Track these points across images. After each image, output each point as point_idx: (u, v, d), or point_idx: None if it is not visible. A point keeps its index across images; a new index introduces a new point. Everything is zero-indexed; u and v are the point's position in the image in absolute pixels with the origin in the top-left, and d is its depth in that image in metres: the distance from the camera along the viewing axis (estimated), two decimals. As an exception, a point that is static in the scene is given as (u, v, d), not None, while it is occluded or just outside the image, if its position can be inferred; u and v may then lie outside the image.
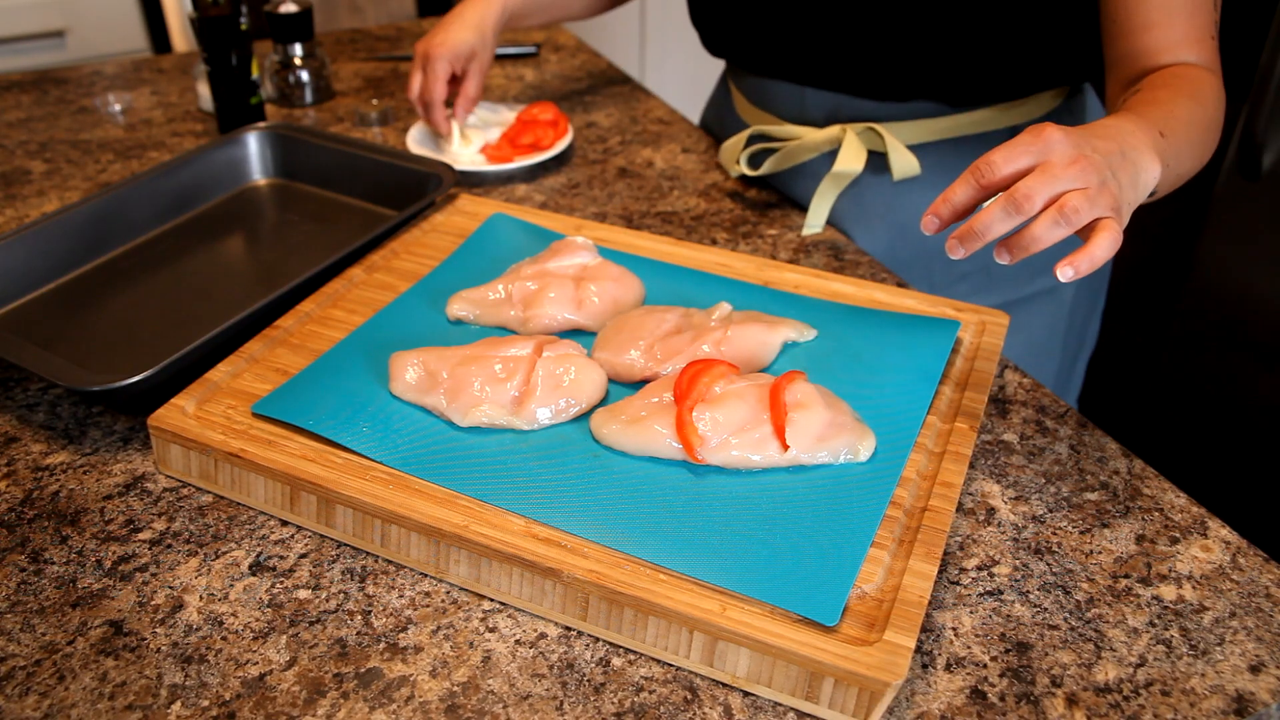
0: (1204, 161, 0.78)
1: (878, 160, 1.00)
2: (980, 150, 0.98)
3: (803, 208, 1.06)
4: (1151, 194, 0.71)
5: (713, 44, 1.09)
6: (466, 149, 1.12)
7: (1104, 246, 0.61)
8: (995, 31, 0.90)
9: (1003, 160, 0.64)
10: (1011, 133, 0.98)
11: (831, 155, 1.02)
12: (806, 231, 1.01)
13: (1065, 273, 0.61)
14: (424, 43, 1.09)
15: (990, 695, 0.58)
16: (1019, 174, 0.63)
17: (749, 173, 1.06)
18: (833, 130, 0.99)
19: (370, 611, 0.63)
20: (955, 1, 0.89)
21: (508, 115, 1.22)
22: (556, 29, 1.60)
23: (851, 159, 0.96)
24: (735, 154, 1.07)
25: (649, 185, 1.12)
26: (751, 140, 1.07)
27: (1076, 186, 0.62)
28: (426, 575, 0.65)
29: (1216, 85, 0.80)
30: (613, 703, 0.58)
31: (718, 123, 1.21)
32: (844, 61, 0.96)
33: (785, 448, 0.67)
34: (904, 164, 0.96)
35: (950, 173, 0.99)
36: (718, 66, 1.32)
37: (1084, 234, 0.63)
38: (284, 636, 0.61)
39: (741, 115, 1.12)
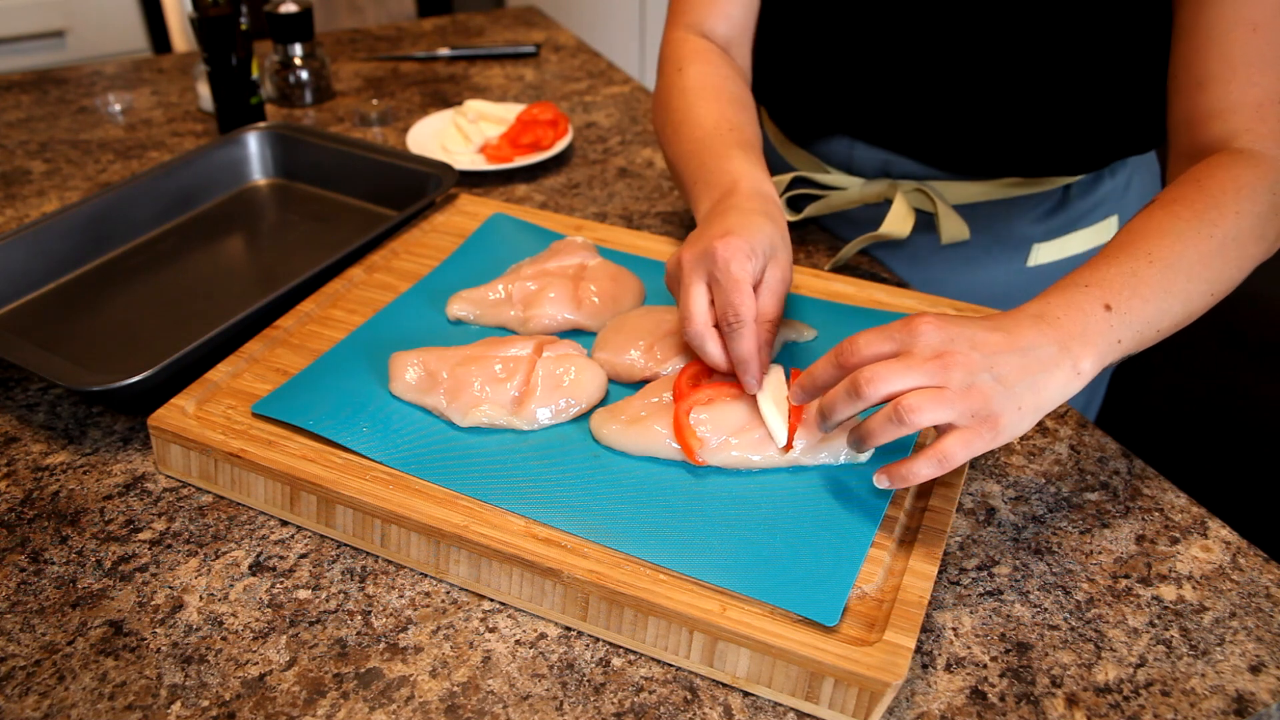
0: (1230, 278, 0.67)
1: (924, 218, 0.94)
2: (1029, 208, 0.93)
3: (829, 232, 1.03)
4: (1132, 355, 0.65)
5: (764, 100, 0.99)
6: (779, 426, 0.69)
7: (928, 463, 0.58)
8: (1061, 107, 0.83)
9: (864, 344, 0.60)
10: (1063, 190, 0.92)
11: (875, 205, 0.95)
12: (830, 267, 0.95)
13: (881, 481, 0.60)
14: (693, 251, 0.70)
15: (990, 695, 0.58)
16: (878, 359, 0.60)
17: (790, 217, 0.96)
18: (881, 186, 0.92)
19: (370, 611, 0.63)
20: (1020, 77, 0.82)
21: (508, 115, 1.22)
22: (556, 29, 1.60)
23: (899, 223, 0.88)
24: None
25: (649, 185, 1.12)
26: (794, 183, 0.98)
27: (928, 384, 0.58)
28: (426, 575, 0.65)
29: (1259, 176, 0.67)
30: (613, 703, 0.58)
31: None
32: (904, 128, 0.89)
33: (790, 447, 0.67)
34: (954, 229, 0.90)
35: (996, 233, 0.94)
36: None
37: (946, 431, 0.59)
38: (284, 636, 0.61)
39: (782, 153, 1.02)
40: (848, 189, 0.94)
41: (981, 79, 0.84)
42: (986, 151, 0.88)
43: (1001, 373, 0.58)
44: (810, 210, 0.96)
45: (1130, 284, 0.63)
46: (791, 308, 0.83)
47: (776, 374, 0.69)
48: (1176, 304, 0.64)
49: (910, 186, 0.91)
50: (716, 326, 0.69)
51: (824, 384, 0.63)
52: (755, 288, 0.69)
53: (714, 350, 0.69)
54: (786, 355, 0.78)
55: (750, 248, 0.68)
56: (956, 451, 0.57)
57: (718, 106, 0.84)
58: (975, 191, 0.91)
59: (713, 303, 0.69)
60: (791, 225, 1.00)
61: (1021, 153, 0.87)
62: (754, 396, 0.69)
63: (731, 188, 0.75)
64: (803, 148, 0.99)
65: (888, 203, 0.93)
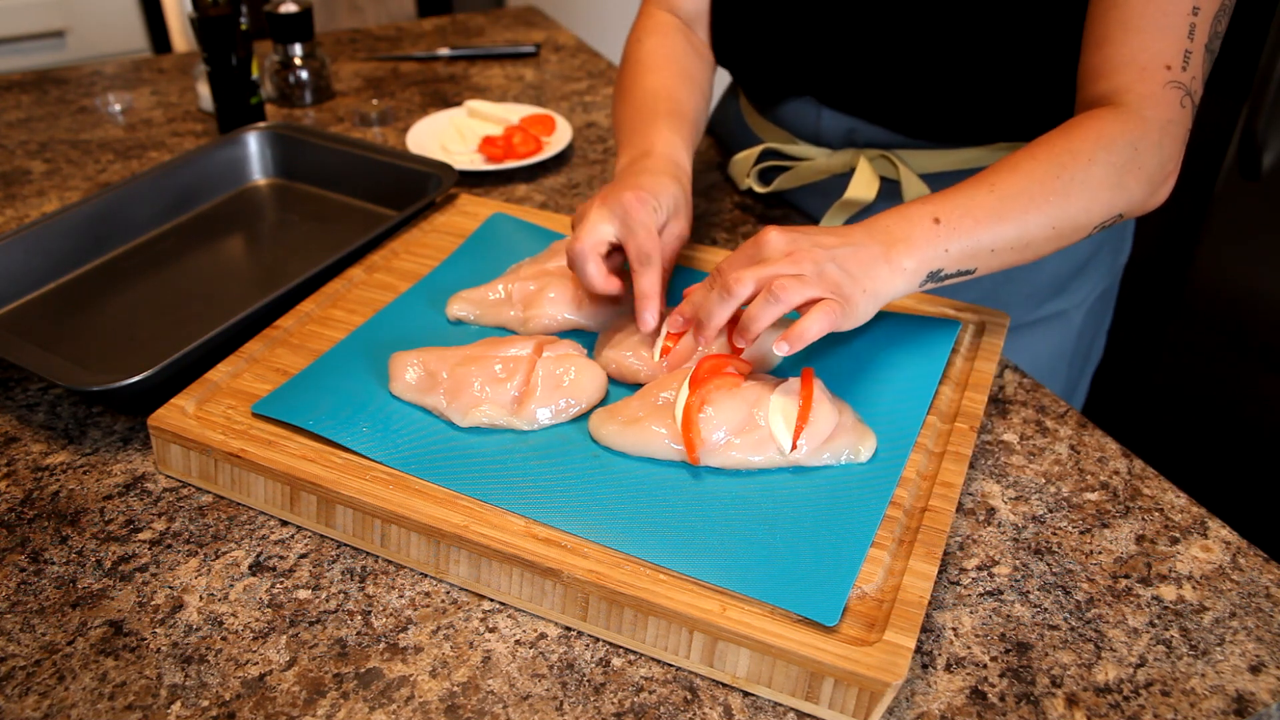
0: (1078, 222, 0.72)
1: (890, 186, 0.97)
2: None
3: (808, 217, 1.05)
4: (962, 274, 0.72)
5: (730, 64, 1.04)
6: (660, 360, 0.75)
7: (815, 320, 0.65)
8: (1020, 72, 0.85)
9: (728, 264, 0.69)
10: None
11: (844, 176, 0.99)
12: None
13: (781, 347, 0.66)
14: (605, 195, 0.77)
15: (990, 695, 0.58)
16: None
17: (759, 189, 1.03)
18: (846, 155, 0.97)
19: (370, 611, 0.63)
20: (980, 42, 0.84)
21: (508, 116, 1.22)
22: (556, 29, 1.60)
23: (863, 188, 0.94)
24: (746, 169, 1.04)
25: (649, 185, 1.12)
26: (763, 156, 1.04)
27: (786, 273, 0.66)
28: (426, 575, 0.65)
29: (1124, 130, 0.72)
30: (613, 703, 0.58)
31: (725, 131, 1.18)
32: (867, 93, 0.93)
33: (795, 447, 0.67)
34: (917, 195, 0.93)
35: None
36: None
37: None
38: (284, 636, 0.61)
39: (752, 127, 1.08)
40: (815, 159, 0.99)
41: (941, 41, 0.86)
42: (947, 115, 0.91)
43: (841, 263, 0.67)
44: (779, 182, 1.01)
45: (964, 205, 0.71)
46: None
47: (791, 384, 0.69)
48: (1011, 229, 0.71)
49: (875, 154, 0.95)
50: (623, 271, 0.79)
51: (698, 302, 0.70)
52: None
53: (593, 271, 0.75)
54: (791, 357, 0.78)
55: (656, 200, 0.77)
56: (835, 311, 0.66)
57: (661, 78, 0.92)
58: (939, 161, 0.94)
59: (612, 249, 0.77)
60: (762, 198, 1.08)
61: (981, 116, 0.90)
62: (754, 398, 0.69)
63: (648, 151, 0.83)
64: (770, 117, 1.03)
65: (853, 173, 0.97)
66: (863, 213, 0.99)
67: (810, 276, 0.66)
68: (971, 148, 0.93)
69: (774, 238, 0.69)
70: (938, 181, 0.95)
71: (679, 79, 0.93)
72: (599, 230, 0.76)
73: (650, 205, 0.75)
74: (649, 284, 0.74)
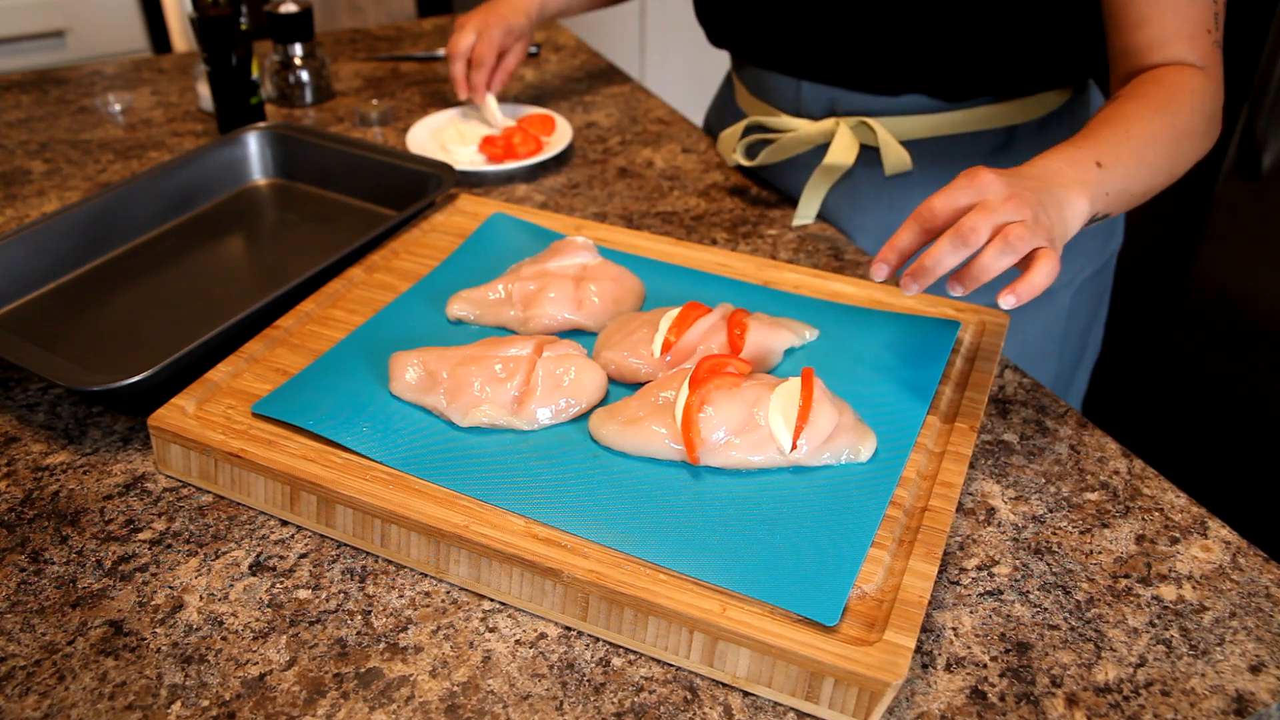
0: (1182, 167, 0.79)
1: (871, 155, 1.00)
2: (974, 147, 0.99)
3: (790, 197, 1.07)
4: (1102, 217, 0.74)
5: (715, 34, 1.09)
6: (493, 125, 1.18)
7: (1043, 273, 0.65)
8: (990, 27, 0.90)
9: (943, 204, 0.68)
10: (1009, 132, 0.98)
11: (824, 147, 1.02)
12: (796, 222, 1.02)
13: (1008, 300, 0.65)
14: (476, 14, 1.16)
15: (990, 695, 0.58)
16: (960, 213, 0.67)
17: (745, 163, 1.06)
18: (826, 124, 0.99)
19: (370, 611, 0.63)
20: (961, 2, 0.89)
21: (508, 118, 1.22)
22: (557, 29, 1.60)
23: (842, 152, 0.97)
24: (733, 143, 1.08)
25: (649, 185, 1.12)
26: (749, 131, 1.07)
27: (1015, 220, 0.66)
28: (426, 575, 0.65)
29: (1204, 84, 0.80)
30: (613, 703, 0.58)
31: (719, 120, 1.21)
32: (838, 54, 0.97)
33: (795, 447, 0.67)
34: (896, 159, 0.97)
35: (944, 169, 0.99)
36: (718, 67, 1.32)
37: (1023, 264, 0.67)
38: (284, 636, 0.61)
39: (741, 105, 1.12)
40: (797, 129, 1.02)
41: (915, 2, 0.90)
42: (921, 75, 0.95)
43: (1047, 208, 0.68)
44: (764, 155, 1.04)
45: (1115, 150, 0.74)
46: (792, 308, 0.83)
47: (791, 384, 0.69)
48: (1146, 174, 0.75)
49: (854, 121, 0.99)
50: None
51: (910, 248, 0.70)
52: (502, 55, 1.18)
53: (458, 69, 1.17)
54: (788, 356, 0.78)
55: (508, 27, 1.16)
56: (1053, 260, 0.65)
57: None
58: (918, 126, 0.98)
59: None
60: (748, 173, 1.14)
61: (956, 75, 0.94)
62: (755, 397, 0.69)
63: None
64: (755, 93, 1.08)
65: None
66: (845, 180, 1.03)
67: (1032, 224, 0.66)
68: (942, 112, 0.97)
69: (993, 181, 0.67)
70: (917, 148, 1.00)
71: None
72: (466, 39, 1.15)
73: (503, 28, 1.15)
74: (479, 79, 1.16)
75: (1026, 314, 1.03)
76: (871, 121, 0.97)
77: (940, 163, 0.99)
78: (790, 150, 1.03)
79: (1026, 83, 0.96)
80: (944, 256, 0.66)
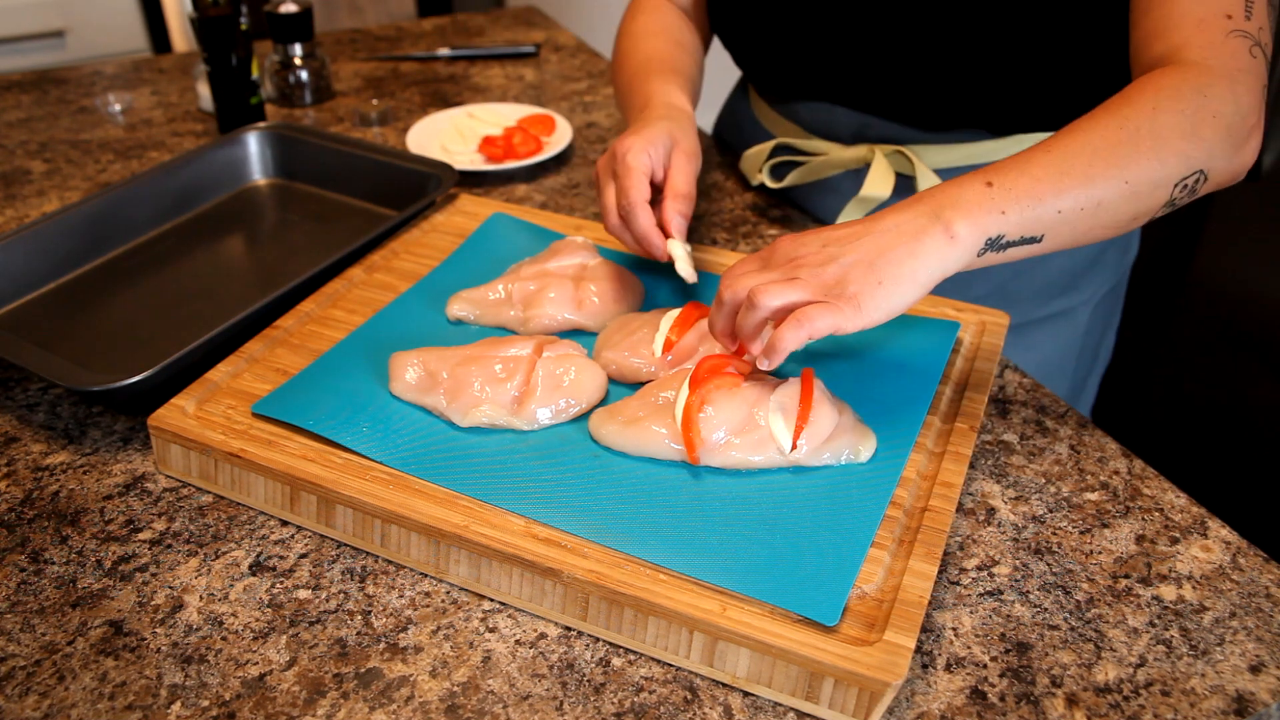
0: (1150, 171, 0.65)
1: (905, 182, 0.96)
2: None
3: (817, 217, 1.05)
4: (1027, 240, 0.65)
5: (745, 66, 1.03)
6: (688, 278, 0.80)
7: (788, 329, 0.62)
8: (1035, 60, 0.84)
9: (738, 271, 0.68)
10: None
11: (856, 173, 0.98)
12: None
13: (761, 363, 0.65)
14: (603, 158, 0.83)
15: (990, 695, 0.58)
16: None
17: (771, 184, 1.02)
18: (861, 150, 0.95)
19: (370, 611, 0.63)
20: (993, 31, 0.83)
21: (508, 117, 1.22)
22: (556, 29, 1.60)
23: (879, 184, 0.92)
24: (758, 164, 1.02)
25: (649, 185, 1.12)
26: (775, 151, 1.02)
27: (774, 279, 0.64)
28: (426, 575, 0.65)
29: (1183, 80, 0.67)
30: (613, 703, 0.58)
31: (735, 131, 1.16)
32: (879, 88, 0.92)
33: (795, 447, 0.67)
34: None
35: None
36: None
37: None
38: (284, 636, 0.61)
39: (763, 122, 1.06)
40: (828, 154, 0.98)
41: (953, 33, 0.85)
42: (960, 106, 0.89)
43: (856, 257, 0.63)
44: (792, 178, 1.00)
45: (1018, 166, 0.65)
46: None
47: (791, 384, 0.69)
48: (1076, 186, 0.64)
49: (889, 149, 0.94)
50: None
51: (720, 324, 0.69)
52: (665, 174, 0.81)
53: (629, 237, 0.80)
54: (792, 358, 0.78)
55: (646, 142, 0.79)
56: (815, 315, 0.62)
57: (655, 44, 0.96)
58: (954, 155, 0.93)
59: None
60: (774, 195, 1.08)
61: (995, 107, 0.89)
62: (755, 396, 0.69)
63: (645, 104, 0.87)
64: (781, 111, 1.02)
65: (868, 169, 0.96)
66: (877, 209, 0.98)
67: (803, 281, 0.63)
68: (986, 140, 0.92)
69: (783, 243, 0.67)
70: (948, 175, 0.94)
71: (671, 45, 0.96)
72: (610, 197, 0.80)
73: (639, 149, 0.78)
74: (641, 226, 0.78)
75: (1044, 332, 1.01)
76: (908, 152, 0.92)
77: None
78: (819, 174, 0.99)
79: (1073, 109, 0.89)
80: (712, 317, 0.69)
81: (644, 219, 0.78)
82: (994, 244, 0.65)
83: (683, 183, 0.80)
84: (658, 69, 0.92)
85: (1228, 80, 0.68)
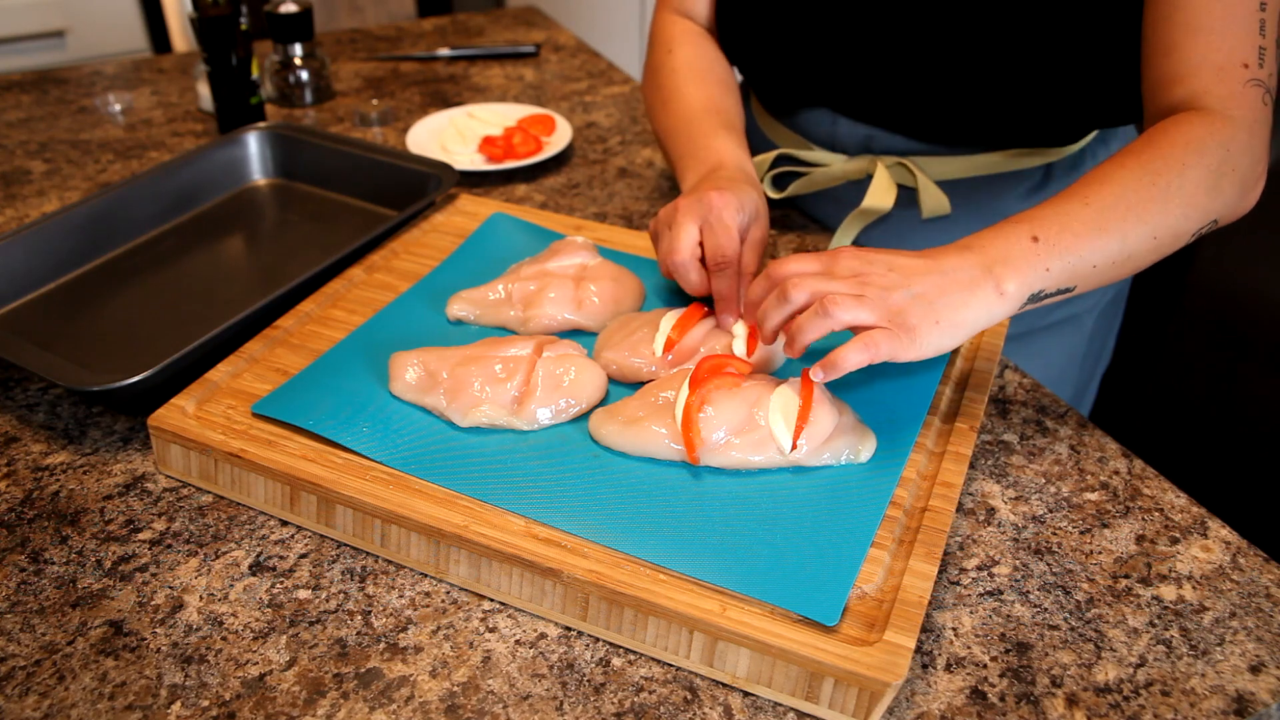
0: (1181, 227, 0.69)
1: (907, 194, 0.96)
2: (1011, 186, 0.94)
3: (822, 225, 1.04)
4: (1063, 291, 0.68)
5: (744, 70, 1.03)
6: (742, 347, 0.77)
7: (854, 350, 0.63)
8: (1038, 75, 0.83)
9: (792, 261, 0.68)
10: (1045, 170, 0.94)
11: (859, 184, 0.98)
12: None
13: (816, 374, 0.65)
14: (688, 199, 0.78)
15: (990, 695, 0.58)
16: (804, 275, 0.67)
17: (773, 195, 0.99)
18: (863, 162, 0.95)
19: (370, 611, 0.63)
20: (998, 46, 0.83)
21: (508, 116, 1.22)
22: (556, 29, 1.60)
23: (881, 196, 0.93)
24: (760, 173, 1.00)
25: (649, 185, 1.12)
26: (778, 161, 1.01)
27: (845, 291, 0.64)
28: (426, 575, 0.65)
29: (1210, 133, 0.69)
30: (613, 703, 0.58)
31: None
32: (883, 101, 0.91)
33: (795, 447, 0.67)
34: (934, 203, 0.93)
35: (978, 207, 0.94)
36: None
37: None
38: (284, 636, 0.61)
39: (766, 132, 1.05)
40: (830, 165, 0.98)
41: (959, 49, 0.85)
42: (965, 122, 0.89)
43: (919, 290, 0.64)
44: (794, 188, 1.00)
45: (1061, 220, 0.67)
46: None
47: (791, 384, 0.69)
48: (1112, 241, 0.67)
49: (891, 161, 0.94)
50: (701, 262, 0.77)
51: (757, 299, 0.69)
52: (740, 240, 0.77)
53: (696, 278, 0.77)
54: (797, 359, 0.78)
55: (740, 203, 0.77)
56: (881, 341, 0.63)
57: (705, 88, 0.93)
58: (956, 167, 0.93)
59: (700, 246, 0.77)
60: (775, 204, 1.06)
61: (1000, 123, 0.88)
62: (755, 396, 0.69)
63: (718, 164, 0.84)
64: (785, 122, 1.02)
65: (870, 180, 0.95)
66: (879, 222, 0.98)
67: (871, 299, 0.63)
68: (989, 153, 0.92)
69: (848, 257, 0.66)
70: (955, 189, 0.94)
71: (722, 89, 0.94)
72: (689, 234, 0.76)
73: (734, 207, 0.77)
74: (726, 286, 0.76)
75: (1050, 339, 1.00)
76: (910, 164, 0.93)
77: (974, 201, 0.95)
78: (821, 184, 0.99)
79: (1078, 128, 0.90)
80: (769, 311, 0.67)
81: (733, 279, 0.76)
82: (1035, 297, 0.67)
83: (753, 263, 0.78)
84: (723, 124, 0.89)
85: (1246, 131, 0.71)
